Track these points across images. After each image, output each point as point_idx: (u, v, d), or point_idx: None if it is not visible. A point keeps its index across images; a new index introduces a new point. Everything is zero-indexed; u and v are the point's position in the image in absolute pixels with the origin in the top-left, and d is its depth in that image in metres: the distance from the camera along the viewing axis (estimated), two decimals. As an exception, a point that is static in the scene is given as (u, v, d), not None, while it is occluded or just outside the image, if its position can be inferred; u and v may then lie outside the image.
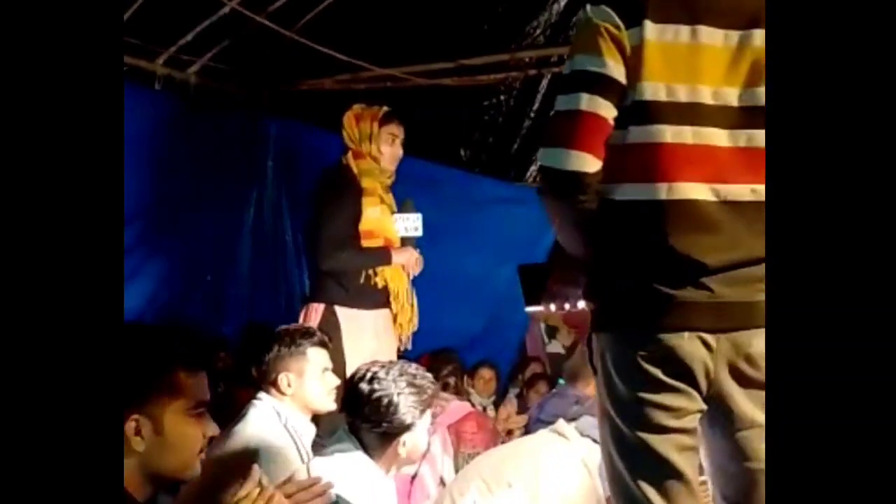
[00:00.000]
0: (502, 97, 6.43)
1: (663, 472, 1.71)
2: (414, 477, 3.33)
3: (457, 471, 3.53)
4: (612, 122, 1.67)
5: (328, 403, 2.80)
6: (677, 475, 1.72)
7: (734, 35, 1.69)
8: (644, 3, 1.66)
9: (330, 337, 3.20)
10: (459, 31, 5.77)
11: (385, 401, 2.32)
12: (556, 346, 7.74)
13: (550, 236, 6.47)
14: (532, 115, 5.99)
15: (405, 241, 3.70)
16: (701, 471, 1.87)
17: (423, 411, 2.39)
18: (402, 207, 3.78)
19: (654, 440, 1.70)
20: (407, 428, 2.36)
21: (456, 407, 4.05)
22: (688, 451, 1.73)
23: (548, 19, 5.48)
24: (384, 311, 3.62)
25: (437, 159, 5.99)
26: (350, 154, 3.64)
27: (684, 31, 1.67)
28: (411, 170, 5.23)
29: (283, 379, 2.76)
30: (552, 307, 1.68)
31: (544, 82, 5.77)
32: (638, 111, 1.67)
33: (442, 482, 3.42)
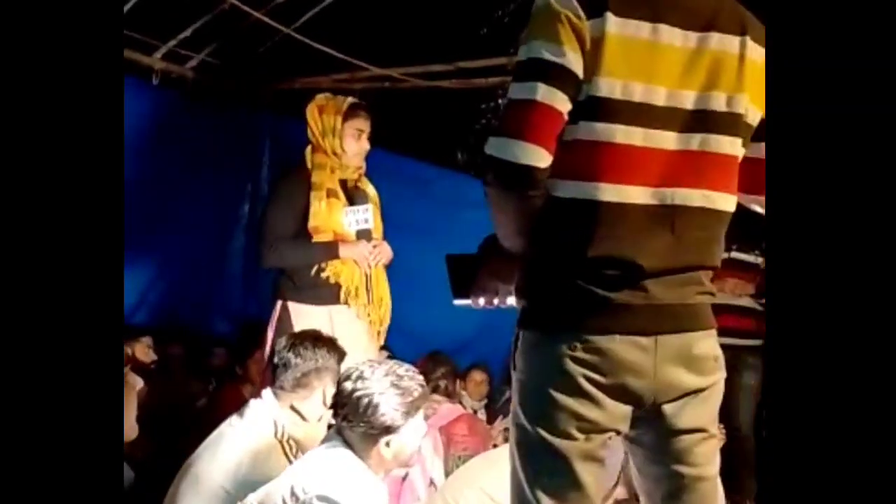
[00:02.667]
0: (500, 101, 6.42)
1: (563, 481, 1.66)
2: (404, 478, 3.32)
3: (447, 473, 3.52)
4: (566, 116, 1.60)
5: None
6: (577, 486, 1.66)
7: (693, 36, 1.63)
8: None
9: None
10: (458, 33, 5.77)
11: (365, 400, 2.26)
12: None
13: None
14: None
15: (361, 236, 3.48)
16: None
17: (407, 414, 2.30)
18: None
19: (559, 444, 1.64)
20: (388, 430, 2.28)
21: (447, 409, 4.03)
22: (593, 461, 1.67)
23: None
24: (340, 308, 3.42)
25: (433, 161, 5.98)
26: (309, 147, 3.47)
27: (645, 27, 1.60)
28: (407, 171, 5.25)
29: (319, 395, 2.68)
30: (481, 301, 1.63)
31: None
32: (591, 107, 1.60)
33: (432, 484, 3.42)
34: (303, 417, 2.70)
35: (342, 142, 3.41)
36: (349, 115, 3.43)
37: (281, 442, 2.60)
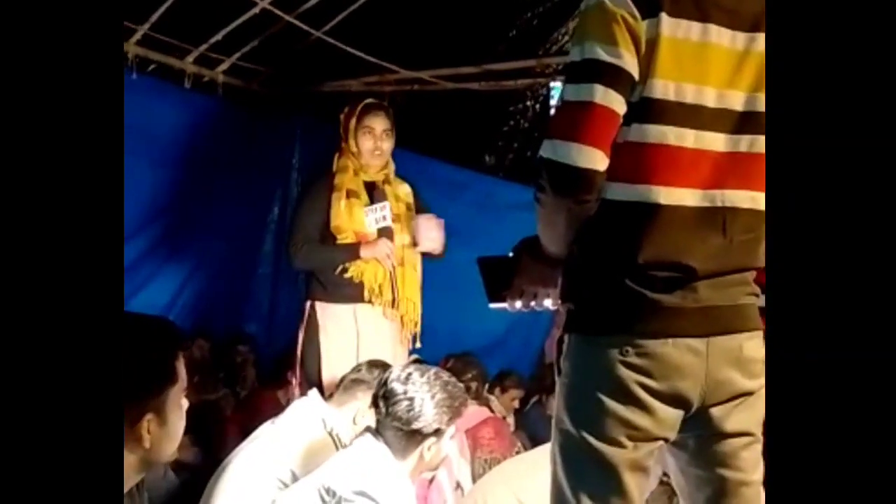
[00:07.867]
0: (528, 103, 6.43)
1: (608, 490, 1.62)
2: (431, 480, 3.32)
3: (473, 476, 3.52)
4: (621, 118, 1.57)
5: None
6: (622, 495, 1.62)
7: (741, 37, 1.61)
8: None
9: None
10: (487, 36, 5.77)
11: (418, 402, 2.28)
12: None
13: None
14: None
15: (383, 234, 3.52)
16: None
17: (451, 419, 2.34)
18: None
19: (607, 452, 1.61)
20: (436, 433, 2.31)
21: (474, 412, 4.02)
22: (640, 471, 1.64)
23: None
24: (364, 306, 3.48)
25: (462, 163, 5.99)
26: (337, 153, 3.59)
27: (696, 28, 1.58)
28: (436, 173, 5.25)
29: (362, 412, 2.72)
30: (518, 304, 1.59)
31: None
32: (644, 109, 1.57)
33: (458, 487, 3.42)
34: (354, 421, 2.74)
35: (356, 140, 3.52)
36: (362, 114, 3.54)
37: (331, 434, 2.62)
